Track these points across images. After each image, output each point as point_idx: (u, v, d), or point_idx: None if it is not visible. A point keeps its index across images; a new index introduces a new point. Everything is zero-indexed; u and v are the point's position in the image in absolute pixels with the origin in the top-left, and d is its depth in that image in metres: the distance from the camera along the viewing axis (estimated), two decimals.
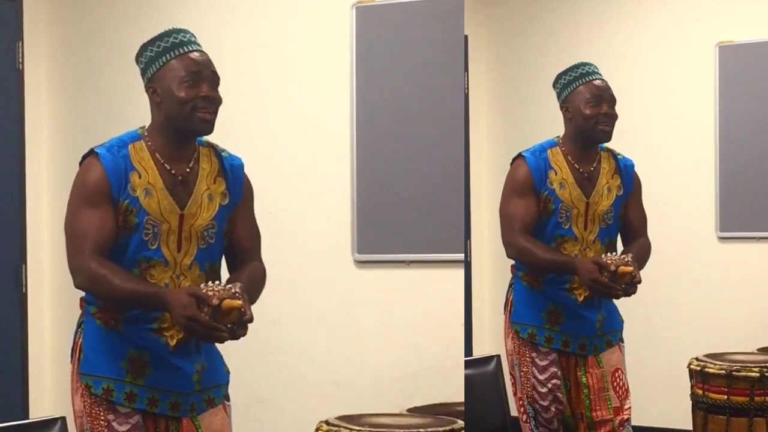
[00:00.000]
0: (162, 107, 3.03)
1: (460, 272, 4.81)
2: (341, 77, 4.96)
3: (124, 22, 5.32)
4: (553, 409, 3.84)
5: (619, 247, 3.99)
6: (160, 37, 3.07)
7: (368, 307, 4.93)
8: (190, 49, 3.06)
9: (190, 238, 3.05)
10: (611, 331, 3.94)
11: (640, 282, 3.63)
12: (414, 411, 3.76)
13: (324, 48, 5.04)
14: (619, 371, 3.92)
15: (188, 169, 3.09)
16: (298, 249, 5.00)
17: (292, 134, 5.08)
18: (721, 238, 5.45)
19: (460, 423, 3.36)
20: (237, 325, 2.79)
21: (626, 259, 3.58)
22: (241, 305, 2.76)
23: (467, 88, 5.72)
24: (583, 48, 5.77)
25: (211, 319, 2.75)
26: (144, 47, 3.08)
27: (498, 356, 4.49)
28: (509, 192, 3.89)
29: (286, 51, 5.11)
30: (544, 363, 3.86)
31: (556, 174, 3.87)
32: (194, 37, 3.11)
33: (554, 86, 3.95)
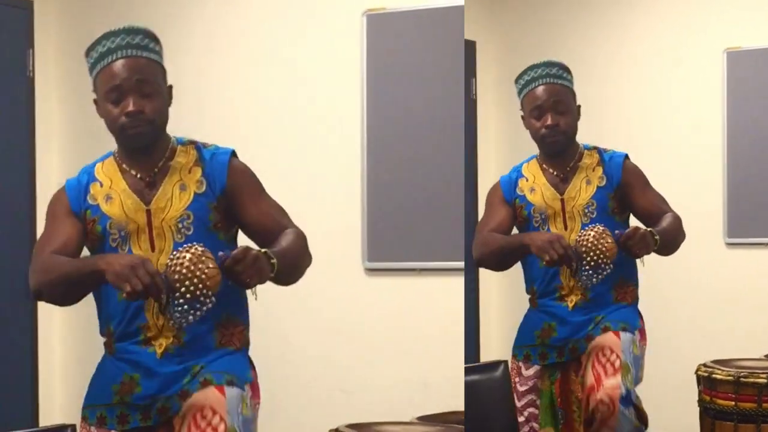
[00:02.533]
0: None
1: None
2: (352, 85, 4.98)
3: None
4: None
5: None
6: (97, 43, 2.97)
7: (378, 314, 4.93)
8: (113, 58, 2.93)
9: (164, 234, 2.93)
10: (612, 321, 3.74)
11: (637, 255, 3.51)
12: (424, 419, 3.74)
13: (335, 56, 5.06)
14: (607, 349, 3.66)
15: (156, 169, 2.98)
16: None
17: (303, 141, 5.09)
18: (729, 244, 5.46)
19: None
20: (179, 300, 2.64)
21: (597, 232, 3.45)
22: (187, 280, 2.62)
23: (475, 95, 5.73)
24: (590, 54, 5.78)
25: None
26: (86, 53, 3.00)
27: (505, 362, 4.49)
28: (484, 210, 3.87)
29: (297, 58, 5.12)
30: (523, 388, 3.81)
31: (527, 181, 3.78)
32: (132, 35, 2.96)
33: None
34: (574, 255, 3.43)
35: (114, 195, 2.96)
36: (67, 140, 5.47)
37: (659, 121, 5.67)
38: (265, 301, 4.88)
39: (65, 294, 2.90)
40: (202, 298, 2.65)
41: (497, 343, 5.67)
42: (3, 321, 5.14)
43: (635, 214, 3.79)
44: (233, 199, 3.01)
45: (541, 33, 5.98)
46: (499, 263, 3.82)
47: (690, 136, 5.59)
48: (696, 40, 5.61)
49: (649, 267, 5.14)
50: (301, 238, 3.04)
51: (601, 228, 3.48)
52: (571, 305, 3.71)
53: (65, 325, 5.39)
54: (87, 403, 3.00)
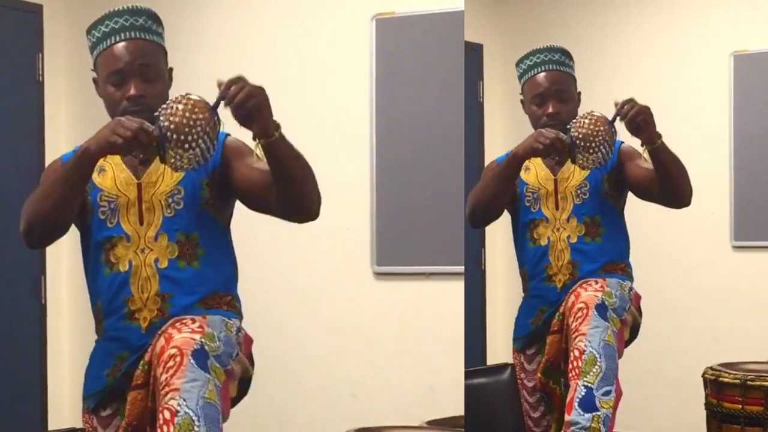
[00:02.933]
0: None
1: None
2: (361, 89, 4.99)
3: None
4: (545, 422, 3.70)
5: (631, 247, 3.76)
6: (99, 22, 2.91)
7: (387, 318, 4.94)
8: (116, 40, 2.88)
9: (153, 208, 2.87)
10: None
11: (636, 125, 3.35)
12: (433, 423, 3.76)
13: (344, 60, 5.08)
14: (583, 304, 3.46)
15: (151, 148, 2.89)
16: (317, 261, 5.01)
17: (312, 145, 5.04)
18: (736, 247, 5.45)
19: None
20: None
21: (592, 117, 3.36)
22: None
23: (482, 98, 5.74)
24: (598, 57, 5.78)
25: None
26: (87, 31, 2.94)
27: (512, 365, 4.50)
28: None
29: (307, 62, 5.14)
30: (531, 384, 3.72)
31: None
32: (136, 17, 2.90)
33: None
34: (566, 139, 3.36)
35: (107, 168, 2.92)
36: (76, 144, 5.43)
37: (666, 123, 5.59)
38: (273, 304, 4.94)
39: (57, 211, 2.81)
40: (194, 137, 2.65)
41: (504, 345, 5.68)
42: (11, 322, 5.16)
43: (630, 186, 3.66)
44: (225, 168, 2.94)
45: (547, 36, 5.96)
46: (492, 199, 3.63)
47: (697, 139, 5.59)
48: (703, 43, 5.61)
49: (656, 269, 5.17)
50: (309, 166, 2.96)
51: (597, 114, 3.40)
52: (559, 285, 3.63)
53: (73, 326, 5.41)
54: (85, 393, 2.97)
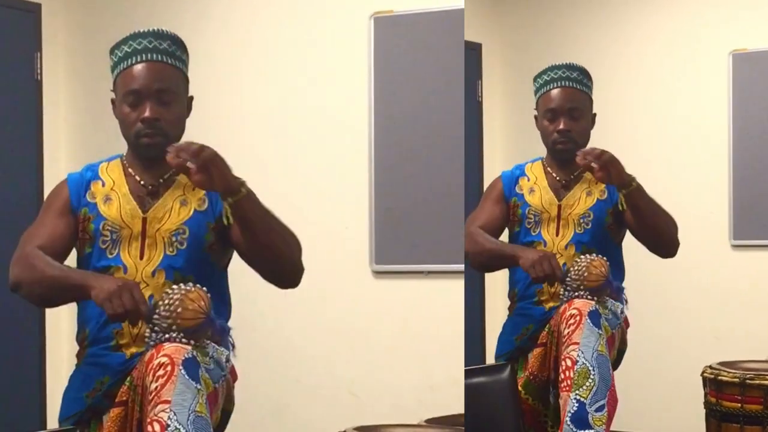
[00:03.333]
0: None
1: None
2: (359, 87, 4.99)
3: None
4: None
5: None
6: (123, 42, 2.91)
7: (386, 317, 4.94)
8: (135, 61, 2.87)
9: (156, 244, 2.85)
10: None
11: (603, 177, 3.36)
12: (432, 422, 3.74)
13: (343, 59, 5.07)
14: (576, 310, 3.44)
15: (162, 180, 2.93)
16: (315, 259, 4.95)
17: (311, 144, 5.10)
18: (735, 246, 5.45)
19: None
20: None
21: (590, 260, 3.42)
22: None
23: (481, 97, 5.74)
24: (597, 56, 5.77)
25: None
26: (111, 50, 2.94)
27: (512, 364, 4.50)
28: (480, 201, 3.78)
29: (306, 61, 5.14)
30: None
31: (528, 180, 3.71)
32: (160, 40, 2.90)
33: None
34: (561, 276, 3.41)
35: (114, 197, 2.90)
36: (75, 143, 5.48)
37: (665, 123, 5.67)
38: (272, 303, 4.93)
39: (44, 297, 2.86)
40: (177, 334, 2.66)
41: None
42: (11, 323, 5.15)
43: (629, 225, 3.64)
44: (230, 225, 2.90)
45: (546, 35, 5.99)
46: (484, 266, 3.79)
47: (696, 138, 5.59)
48: (702, 42, 5.60)
49: (655, 268, 5.15)
50: (291, 233, 2.90)
51: (598, 260, 3.43)
52: (547, 308, 3.61)
53: (72, 325, 5.37)
54: (63, 416, 2.95)
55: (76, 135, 5.48)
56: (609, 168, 3.35)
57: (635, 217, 3.52)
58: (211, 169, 2.66)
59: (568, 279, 3.42)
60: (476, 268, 3.88)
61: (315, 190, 5.03)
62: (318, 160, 5.07)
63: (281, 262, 2.89)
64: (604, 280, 3.43)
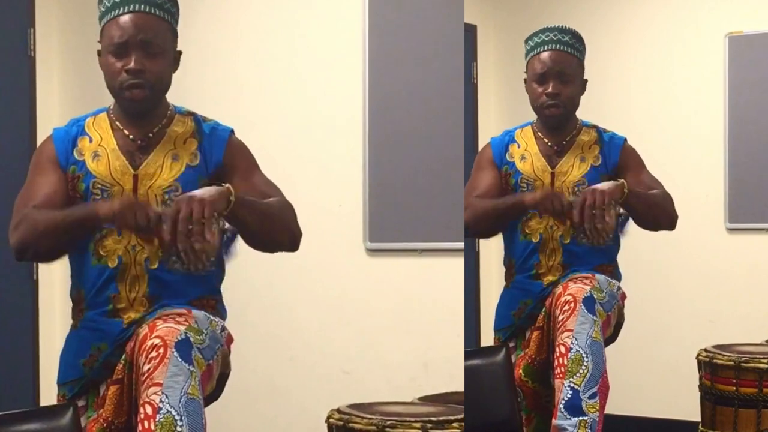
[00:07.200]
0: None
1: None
2: (354, 67, 4.97)
3: None
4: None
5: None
6: None
7: (380, 295, 4.93)
8: (123, 11, 2.81)
9: (148, 202, 2.79)
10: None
11: (609, 229, 3.36)
12: (425, 400, 3.75)
13: (337, 38, 5.05)
14: (570, 296, 3.46)
15: (151, 134, 2.88)
16: (309, 237, 4.94)
17: (304, 123, 5.09)
18: (730, 230, 5.45)
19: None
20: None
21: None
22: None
23: (476, 79, 5.72)
24: (592, 39, 5.71)
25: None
26: (99, 0, 2.89)
27: (507, 346, 4.49)
28: (471, 172, 3.73)
29: (302, 40, 5.12)
30: None
31: (518, 147, 3.67)
32: None
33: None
34: (568, 207, 3.39)
35: (102, 153, 2.86)
36: (68, 120, 5.45)
37: (661, 105, 5.66)
38: (266, 281, 4.93)
39: (53, 248, 2.82)
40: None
41: None
42: (3, 299, 5.14)
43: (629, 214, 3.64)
44: (225, 176, 2.88)
45: (542, 16, 5.96)
46: (489, 228, 3.70)
47: (691, 121, 5.59)
48: (698, 24, 5.60)
49: (651, 252, 5.16)
50: (285, 205, 2.92)
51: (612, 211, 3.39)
52: (546, 283, 3.61)
53: (65, 303, 5.35)
54: (61, 380, 2.93)
55: (70, 111, 5.45)
56: (601, 203, 3.34)
57: (635, 216, 3.57)
58: (195, 222, 2.61)
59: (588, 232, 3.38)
60: (482, 235, 3.86)
61: (309, 169, 5.01)
62: (312, 138, 5.06)
63: (281, 244, 2.93)
64: (612, 227, 3.41)
